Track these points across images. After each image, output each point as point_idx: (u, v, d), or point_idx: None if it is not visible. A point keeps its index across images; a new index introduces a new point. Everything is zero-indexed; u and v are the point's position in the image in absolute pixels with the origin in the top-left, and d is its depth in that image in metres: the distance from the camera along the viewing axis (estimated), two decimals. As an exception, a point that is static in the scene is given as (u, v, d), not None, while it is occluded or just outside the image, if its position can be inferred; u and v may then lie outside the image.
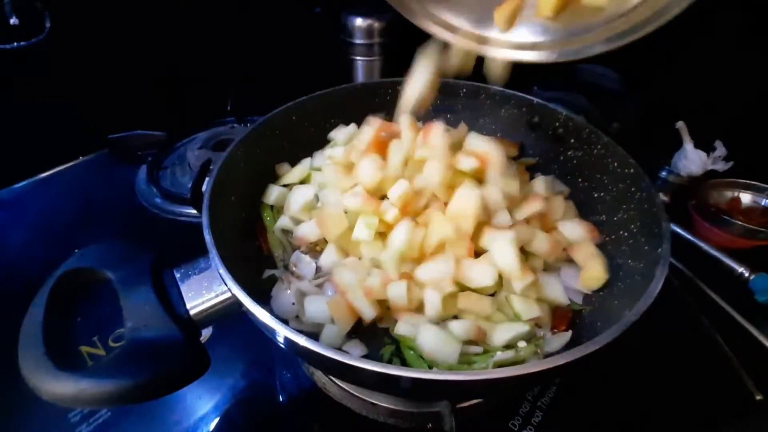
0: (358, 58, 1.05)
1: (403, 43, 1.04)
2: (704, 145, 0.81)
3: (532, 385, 0.51)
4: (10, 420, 0.52)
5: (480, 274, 0.44)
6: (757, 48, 0.76)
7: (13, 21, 0.80)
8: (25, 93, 0.88)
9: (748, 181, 0.82)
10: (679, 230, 0.79)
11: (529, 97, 0.64)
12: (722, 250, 0.73)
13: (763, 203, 0.82)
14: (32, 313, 0.33)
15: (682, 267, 0.75)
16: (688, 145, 0.82)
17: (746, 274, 0.70)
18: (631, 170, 0.50)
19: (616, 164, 0.53)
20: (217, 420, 0.52)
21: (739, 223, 0.74)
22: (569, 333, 0.44)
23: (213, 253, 0.38)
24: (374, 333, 0.48)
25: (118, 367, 0.31)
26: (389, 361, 0.44)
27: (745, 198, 0.83)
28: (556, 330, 0.45)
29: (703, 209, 0.79)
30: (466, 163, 0.50)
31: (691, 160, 0.82)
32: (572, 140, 0.61)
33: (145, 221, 0.82)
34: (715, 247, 0.74)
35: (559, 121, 0.62)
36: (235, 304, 0.38)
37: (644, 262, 0.43)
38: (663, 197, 0.87)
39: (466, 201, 0.45)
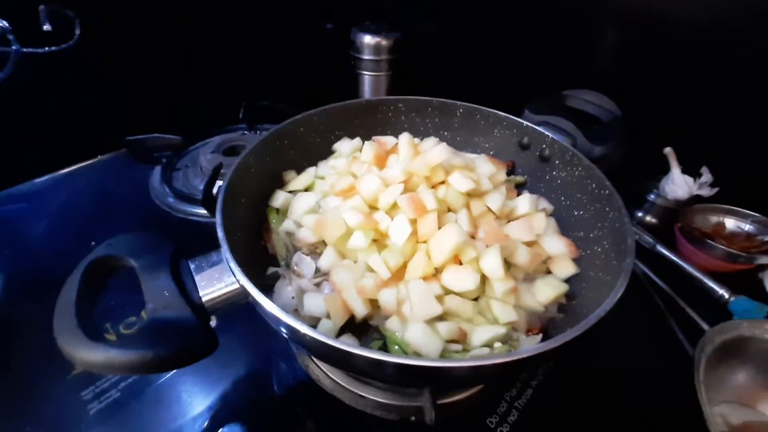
0: (366, 72, 1.11)
1: (409, 60, 1.10)
2: (691, 170, 0.85)
3: (504, 376, 0.55)
4: (26, 397, 0.56)
5: (464, 279, 0.49)
6: (743, 78, 0.81)
7: (46, 27, 0.86)
8: (53, 95, 0.94)
9: (733, 207, 0.86)
10: (664, 251, 0.82)
11: (519, 119, 0.69)
12: (705, 272, 0.77)
13: (746, 229, 0.85)
14: (66, 292, 0.38)
15: (665, 286, 0.79)
16: (675, 171, 0.85)
17: (726, 296, 0.73)
18: (606, 191, 0.55)
19: (594, 185, 0.58)
20: (217, 404, 0.57)
21: (722, 247, 0.77)
22: (540, 336, 0.48)
23: (224, 248, 0.43)
24: (365, 329, 0.52)
25: (141, 340, 0.35)
26: (377, 354, 0.49)
27: (729, 223, 0.86)
28: (530, 333, 0.49)
29: (688, 232, 0.82)
30: (462, 184, 0.54)
31: (678, 185, 0.85)
32: (557, 161, 0.66)
33: (157, 219, 0.87)
34: (698, 269, 0.78)
35: (546, 143, 0.67)
36: (241, 295, 0.43)
37: (611, 275, 0.47)
38: (651, 219, 0.91)
39: (447, 237, 0.49)
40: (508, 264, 0.53)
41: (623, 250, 0.47)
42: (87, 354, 0.33)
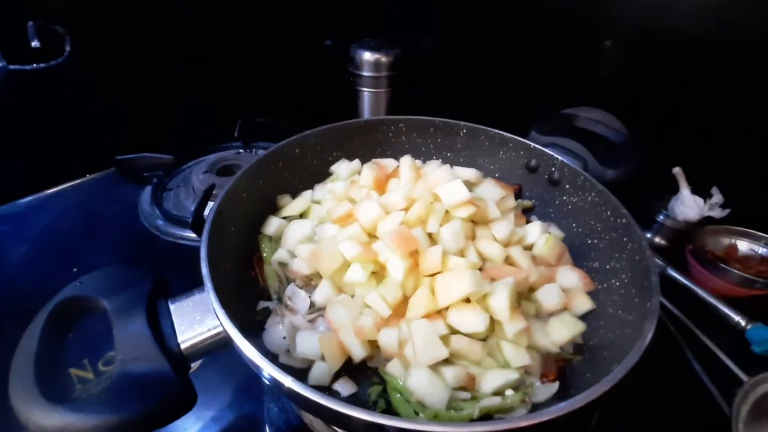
0: (365, 89, 1.09)
1: (409, 77, 1.08)
2: (701, 191, 0.82)
3: None
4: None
5: (472, 320, 0.44)
6: (754, 95, 0.78)
7: (34, 44, 0.83)
8: (40, 112, 0.91)
9: (745, 229, 0.83)
10: (675, 275, 0.79)
11: (526, 141, 0.66)
12: (719, 297, 0.73)
13: (759, 252, 0.82)
14: (26, 342, 0.34)
15: (677, 312, 0.75)
16: (685, 191, 0.83)
17: (743, 324, 0.70)
18: (624, 220, 0.51)
19: (609, 213, 0.54)
20: (200, 453, 0.52)
21: (736, 271, 0.74)
22: (557, 384, 0.44)
23: (208, 287, 0.39)
24: (363, 370, 0.47)
25: (104, 401, 0.31)
26: (375, 402, 0.44)
27: (742, 246, 0.83)
28: (545, 379, 0.45)
29: (699, 255, 0.79)
30: (462, 211, 0.51)
31: (688, 206, 0.83)
32: (567, 186, 0.62)
33: (145, 242, 0.83)
34: (712, 293, 0.74)
35: (555, 166, 0.63)
36: (226, 339, 0.39)
37: (634, 314, 0.43)
38: (660, 241, 0.88)
39: (459, 285, 0.45)
40: (519, 299, 0.49)
41: (647, 288, 0.43)
42: (41, 418, 0.29)
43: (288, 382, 0.32)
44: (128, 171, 0.93)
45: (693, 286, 0.77)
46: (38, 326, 0.34)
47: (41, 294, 0.68)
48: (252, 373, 0.59)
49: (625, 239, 0.51)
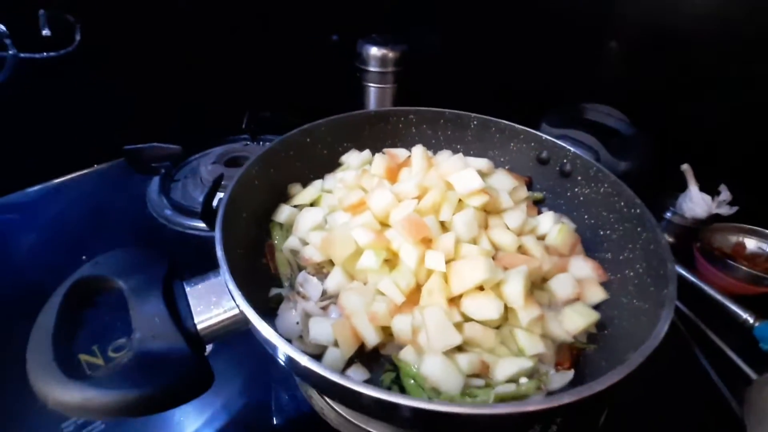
0: (372, 84, 1.09)
1: (415, 73, 1.08)
2: (709, 188, 0.82)
3: (534, 423, 0.50)
4: (2, 429, 0.51)
5: (486, 307, 0.44)
6: (761, 96, 0.78)
7: (45, 32, 0.83)
8: (50, 101, 0.91)
9: (753, 227, 0.82)
10: (683, 272, 0.78)
11: (537, 133, 0.66)
12: (726, 294, 0.73)
13: (767, 249, 0.82)
14: (43, 319, 0.33)
15: (685, 309, 0.74)
16: (693, 188, 0.83)
17: (751, 321, 0.69)
18: (638, 210, 0.51)
19: (622, 203, 0.54)
20: (210, 438, 0.52)
21: (744, 268, 0.74)
22: (572, 372, 0.43)
23: (224, 269, 0.39)
24: (375, 358, 0.47)
25: (124, 377, 0.31)
26: (388, 388, 0.44)
27: (750, 243, 0.83)
28: (559, 367, 0.45)
29: (707, 252, 0.78)
30: (475, 200, 0.51)
31: (696, 203, 0.82)
32: (579, 177, 0.62)
33: (153, 232, 0.83)
34: (720, 291, 0.74)
35: (567, 158, 0.63)
36: (241, 321, 0.39)
37: (650, 302, 0.43)
38: (668, 238, 0.88)
39: (472, 273, 0.45)
40: (532, 288, 0.49)
41: (663, 276, 0.42)
42: (61, 393, 0.29)
43: (304, 360, 0.32)
44: (136, 161, 0.93)
45: (701, 284, 0.76)
46: (55, 304, 0.34)
47: (49, 282, 0.68)
48: (262, 361, 0.60)
49: (638, 229, 0.51)
